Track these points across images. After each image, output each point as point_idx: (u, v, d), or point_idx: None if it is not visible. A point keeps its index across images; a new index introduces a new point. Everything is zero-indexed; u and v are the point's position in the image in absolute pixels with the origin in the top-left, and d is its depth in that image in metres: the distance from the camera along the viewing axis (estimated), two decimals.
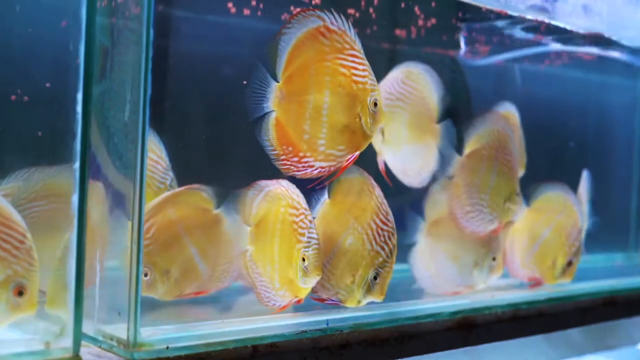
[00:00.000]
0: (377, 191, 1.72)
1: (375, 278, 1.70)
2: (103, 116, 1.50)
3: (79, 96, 1.35)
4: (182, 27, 1.91)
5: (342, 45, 1.62)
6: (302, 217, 1.63)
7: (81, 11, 1.35)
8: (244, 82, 1.61)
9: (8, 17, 1.53)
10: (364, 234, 1.70)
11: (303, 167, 1.65)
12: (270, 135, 1.63)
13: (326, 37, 1.61)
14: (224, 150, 1.94)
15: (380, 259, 1.70)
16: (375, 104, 1.64)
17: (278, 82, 1.62)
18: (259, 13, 1.93)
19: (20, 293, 1.36)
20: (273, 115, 1.62)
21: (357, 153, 1.66)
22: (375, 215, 1.70)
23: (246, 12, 1.92)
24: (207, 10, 1.93)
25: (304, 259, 1.61)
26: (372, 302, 1.73)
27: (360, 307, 1.73)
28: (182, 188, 1.71)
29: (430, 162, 1.97)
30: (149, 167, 1.66)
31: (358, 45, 1.63)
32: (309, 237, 1.61)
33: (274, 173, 1.66)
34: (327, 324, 1.67)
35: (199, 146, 1.92)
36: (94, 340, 1.47)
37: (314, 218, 1.67)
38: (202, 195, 1.70)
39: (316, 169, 1.65)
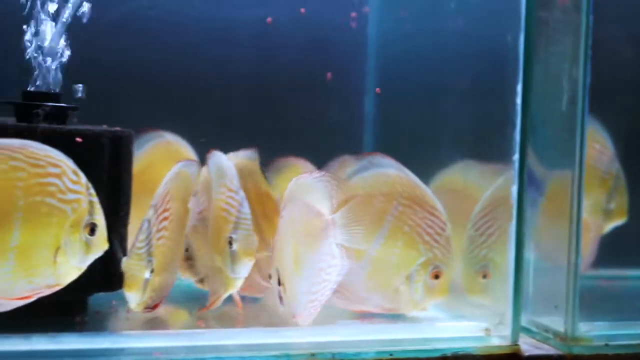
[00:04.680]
0: None
1: None
2: None
3: (519, 88, 1.36)
4: (614, 10, 1.83)
5: None
6: None
7: (520, 3, 1.37)
8: None
9: (445, 13, 1.62)
10: None
11: None
12: None
13: None
14: None
15: None
16: None
17: None
18: None
19: (436, 276, 1.44)
20: None
21: None
22: None
23: None
24: None
25: None
26: None
27: None
28: None
29: None
30: (592, 157, 1.63)
31: None
32: None
33: None
34: None
35: None
36: (527, 330, 1.46)
37: None
38: None
39: None
